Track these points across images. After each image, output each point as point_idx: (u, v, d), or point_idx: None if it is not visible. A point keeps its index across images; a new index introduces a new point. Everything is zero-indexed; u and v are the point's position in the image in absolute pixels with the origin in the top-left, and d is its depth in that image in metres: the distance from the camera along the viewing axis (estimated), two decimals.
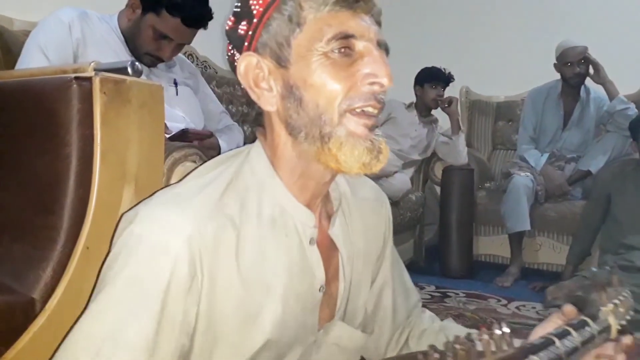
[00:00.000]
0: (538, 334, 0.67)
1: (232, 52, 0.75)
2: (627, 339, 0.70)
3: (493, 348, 0.54)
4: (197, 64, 2.53)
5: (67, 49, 1.35)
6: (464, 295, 2.55)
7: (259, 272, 0.70)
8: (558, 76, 3.03)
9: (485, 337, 0.54)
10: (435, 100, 3.00)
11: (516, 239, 2.85)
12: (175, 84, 1.55)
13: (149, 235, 0.65)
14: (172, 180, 1.01)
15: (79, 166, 0.84)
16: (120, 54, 1.42)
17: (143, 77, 0.93)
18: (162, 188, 0.76)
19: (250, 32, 0.71)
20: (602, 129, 3.02)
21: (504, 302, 2.47)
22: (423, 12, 3.83)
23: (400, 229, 2.75)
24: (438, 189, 2.98)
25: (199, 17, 1.45)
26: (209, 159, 1.08)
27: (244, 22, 0.72)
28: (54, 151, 0.85)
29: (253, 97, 0.72)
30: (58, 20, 1.37)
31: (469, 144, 3.40)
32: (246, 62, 0.71)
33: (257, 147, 0.77)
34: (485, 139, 3.63)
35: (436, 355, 0.53)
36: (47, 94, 0.87)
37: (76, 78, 0.85)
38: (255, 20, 0.70)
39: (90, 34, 1.39)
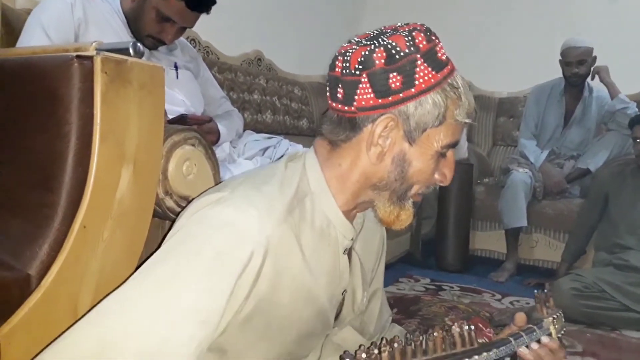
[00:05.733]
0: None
1: (361, 78, 0.76)
2: (545, 338, 0.86)
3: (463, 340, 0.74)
4: (200, 50, 2.53)
5: (68, 29, 1.34)
6: (459, 288, 2.56)
7: (315, 267, 0.81)
8: (561, 73, 3.03)
9: (458, 330, 0.74)
10: None
11: (512, 235, 2.86)
12: (176, 67, 1.54)
13: (237, 222, 0.72)
14: (171, 163, 1.01)
15: (78, 145, 0.84)
16: (121, 35, 1.42)
17: (144, 59, 0.93)
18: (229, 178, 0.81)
19: (401, 95, 0.76)
20: (603, 128, 3.02)
21: (498, 296, 2.48)
22: (426, 8, 3.81)
23: None
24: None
25: (203, 0, 1.44)
26: (209, 143, 1.09)
27: (398, 77, 0.75)
28: (53, 129, 0.85)
29: (366, 144, 0.79)
30: None
31: (469, 139, 3.40)
32: (387, 125, 0.78)
33: (311, 159, 0.84)
34: (486, 134, 3.63)
35: (421, 338, 0.70)
36: (48, 72, 0.87)
37: (77, 57, 0.84)
38: (413, 90, 0.76)
39: (92, 14, 1.39)
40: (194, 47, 2.34)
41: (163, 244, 0.75)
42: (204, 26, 1.68)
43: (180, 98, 1.51)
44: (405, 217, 0.84)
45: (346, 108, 0.79)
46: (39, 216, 0.85)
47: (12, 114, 0.92)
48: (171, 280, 0.69)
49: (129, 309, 0.67)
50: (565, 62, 2.93)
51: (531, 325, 0.86)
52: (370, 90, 0.76)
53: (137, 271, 0.72)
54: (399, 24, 0.81)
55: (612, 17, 3.34)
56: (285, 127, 2.87)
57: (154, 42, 1.47)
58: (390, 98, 0.76)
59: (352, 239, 0.87)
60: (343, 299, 0.91)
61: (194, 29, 1.58)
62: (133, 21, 1.45)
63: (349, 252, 0.89)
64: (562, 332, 0.90)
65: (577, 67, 2.89)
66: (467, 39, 3.65)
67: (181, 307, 0.67)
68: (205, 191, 0.83)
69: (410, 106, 0.76)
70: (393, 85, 0.75)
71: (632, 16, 3.33)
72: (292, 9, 3.35)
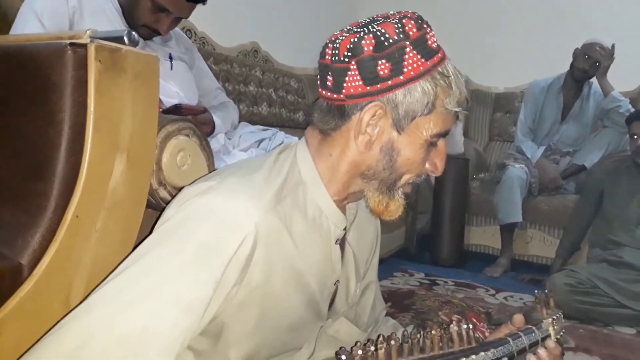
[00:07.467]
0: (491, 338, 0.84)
1: (350, 65, 0.76)
2: (550, 343, 0.86)
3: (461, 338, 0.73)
4: (195, 40, 2.51)
5: (63, 17, 1.33)
6: (453, 283, 2.57)
7: (306, 255, 0.81)
8: (559, 70, 3.03)
9: (456, 328, 0.73)
10: None
11: (507, 231, 2.87)
12: (171, 58, 1.52)
13: (224, 211, 0.72)
14: (165, 154, 1.00)
15: (71, 133, 0.83)
16: (116, 25, 1.40)
17: (138, 49, 0.92)
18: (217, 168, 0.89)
19: (389, 82, 0.75)
20: (599, 124, 3.04)
21: (492, 292, 2.49)
22: (424, 1, 3.79)
23: None
24: (432, 177, 2.99)
25: None
26: (204, 134, 1.09)
27: (386, 64, 0.74)
28: (46, 117, 0.84)
29: (354, 133, 0.79)
30: None
31: (465, 134, 3.40)
32: (375, 113, 0.77)
33: (302, 150, 0.84)
34: (482, 129, 3.63)
35: (418, 335, 0.69)
36: (41, 60, 0.86)
37: (71, 44, 0.83)
38: (401, 77, 0.75)
39: (87, 2, 1.37)
40: (190, 37, 2.33)
41: (152, 232, 0.75)
42: (200, 17, 1.67)
43: (175, 90, 1.49)
44: (394, 207, 0.83)
45: (335, 96, 0.78)
46: (31, 205, 0.85)
47: (4, 101, 0.91)
48: (157, 269, 0.69)
49: (113, 298, 0.67)
50: (584, 54, 2.91)
51: (530, 326, 0.86)
52: (358, 77, 0.75)
53: (125, 260, 0.72)
54: (391, 12, 0.80)
55: (609, 15, 3.34)
56: (281, 120, 2.86)
57: (149, 32, 1.46)
58: (378, 85, 0.75)
59: (344, 229, 0.87)
60: (336, 290, 0.91)
61: (189, 19, 1.56)
62: (128, 11, 1.44)
63: (341, 242, 0.88)
64: (561, 333, 0.90)
65: (592, 64, 2.88)
66: (464, 35, 3.65)
67: (165, 295, 0.67)
68: (195, 180, 0.83)
69: (399, 94, 0.76)
70: (381, 73, 0.75)
71: (629, 14, 3.33)
72: (289, 1, 3.33)
